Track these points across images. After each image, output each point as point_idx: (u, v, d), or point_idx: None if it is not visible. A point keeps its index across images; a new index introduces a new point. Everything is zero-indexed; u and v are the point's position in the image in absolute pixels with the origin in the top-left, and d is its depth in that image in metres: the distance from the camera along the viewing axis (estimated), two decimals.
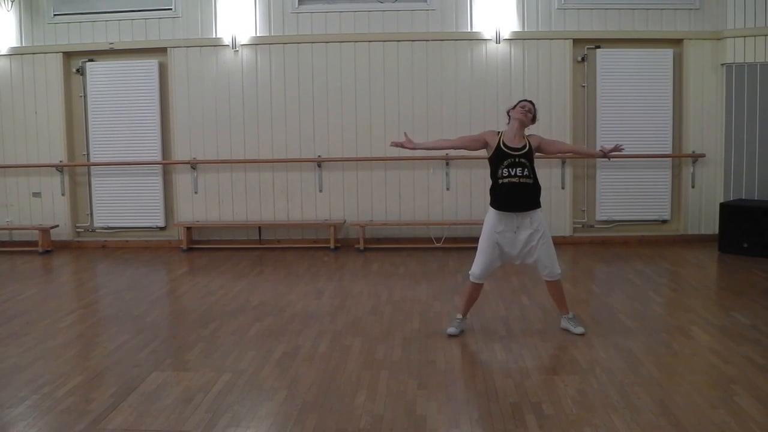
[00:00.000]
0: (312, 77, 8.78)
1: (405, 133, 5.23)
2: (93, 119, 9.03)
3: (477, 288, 5.11)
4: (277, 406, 3.90)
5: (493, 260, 5.01)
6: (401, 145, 5.12)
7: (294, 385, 4.17)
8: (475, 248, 5.05)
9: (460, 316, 5.18)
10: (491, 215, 4.99)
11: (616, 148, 5.12)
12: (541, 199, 5.00)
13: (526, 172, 4.85)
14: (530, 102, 5.11)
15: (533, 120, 5.04)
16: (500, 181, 4.90)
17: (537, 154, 5.01)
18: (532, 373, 4.29)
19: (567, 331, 5.09)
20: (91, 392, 4.10)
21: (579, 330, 5.05)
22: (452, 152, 8.10)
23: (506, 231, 4.92)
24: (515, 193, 4.86)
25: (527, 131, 5.06)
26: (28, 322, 5.65)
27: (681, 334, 5.06)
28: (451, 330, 5.10)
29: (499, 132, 5.00)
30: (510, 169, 4.85)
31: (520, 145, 4.91)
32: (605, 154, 5.14)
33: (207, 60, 8.83)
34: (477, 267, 5.02)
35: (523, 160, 4.86)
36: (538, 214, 4.95)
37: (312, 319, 5.59)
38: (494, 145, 4.93)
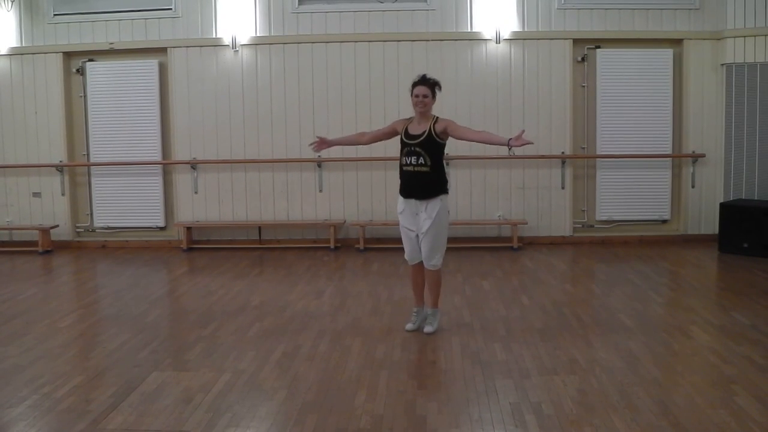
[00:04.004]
0: (312, 77, 8.77)
1: (317, 136, 5.43)
2: (93, 119, 9.03)
3: (413, 271, 5.23)
4: (277, 406, 3.90)
5: (412, 241, 5.10)
6: (318, 147, 5.34)
7: (294, 385, 4.17)
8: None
9: (415, 309, 5.28)
10: (399, 199, 5.12)
11: (520, 137, 4.63)
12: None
13: (420, 161, 4.90)
14: (424, 83, 4.97)
15: (434, 96, 5.00)
16: (402, 168, 5.02)
17: (449, 138, 5.00)
18: (532, 373, 4.29)
19: (419, 327, 5.18)
20: (91, 392, 4.10)
21: (429, 329, 5.11)
22: (451, 152, 8.04)
23: (407, 213, 5.04)
24: (411, 181, 4.97)
25: (441, 114, 5.06)
26: (28, 322, 5.65)
27: (681, 333, 5.06)
28: (408, 326, 5.21)
29: (409, 119, 5.08)
30: (407, 158, 4.95)
31: (418, 133, 4.95)
32: (509, 146, 4.65)
33: (207, 60, 8.83)
34: (405, 251, 5.19)
35: (417, 149, 4.90)
36: (435, 202, 4.93)
37: (312, 319, 5.59)
38: (401, 132, 5.04)
